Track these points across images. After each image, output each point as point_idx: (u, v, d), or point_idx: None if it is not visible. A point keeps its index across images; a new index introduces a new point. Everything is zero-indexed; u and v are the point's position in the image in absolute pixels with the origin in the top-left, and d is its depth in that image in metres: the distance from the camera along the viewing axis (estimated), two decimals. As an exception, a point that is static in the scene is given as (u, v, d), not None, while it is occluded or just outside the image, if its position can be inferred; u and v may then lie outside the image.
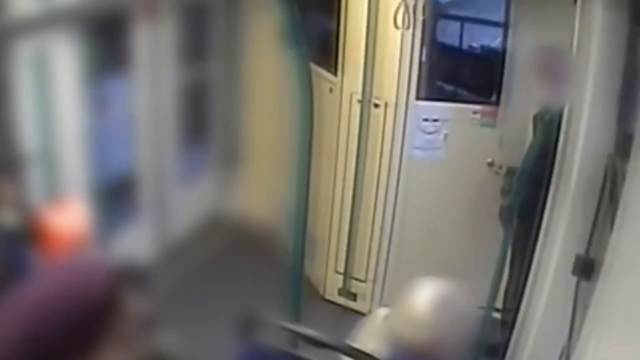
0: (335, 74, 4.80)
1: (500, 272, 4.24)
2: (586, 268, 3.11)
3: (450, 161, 4.73)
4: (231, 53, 4.92)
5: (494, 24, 4.78)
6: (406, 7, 4.42)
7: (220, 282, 4.71)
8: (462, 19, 4.79)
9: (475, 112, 4.69)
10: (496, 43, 4.86)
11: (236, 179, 5.16)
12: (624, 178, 2.79)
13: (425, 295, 2.54)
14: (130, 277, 1.73)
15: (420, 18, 4.47)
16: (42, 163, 3.60)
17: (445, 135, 4.70)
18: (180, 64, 4.63)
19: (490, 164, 4.64)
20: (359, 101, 4.73)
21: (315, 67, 4.59)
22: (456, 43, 4.83)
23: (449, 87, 4.84)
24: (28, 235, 3.16)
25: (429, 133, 4.70)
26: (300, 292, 4.52)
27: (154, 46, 4.33)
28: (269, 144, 4.92)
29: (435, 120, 4.69)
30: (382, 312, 2.74)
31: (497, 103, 4.73)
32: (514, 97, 4.61)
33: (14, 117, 3.47)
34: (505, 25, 4.62)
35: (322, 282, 5.22)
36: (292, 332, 2.95)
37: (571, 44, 3.33)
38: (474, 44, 4.84)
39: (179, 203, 4.76)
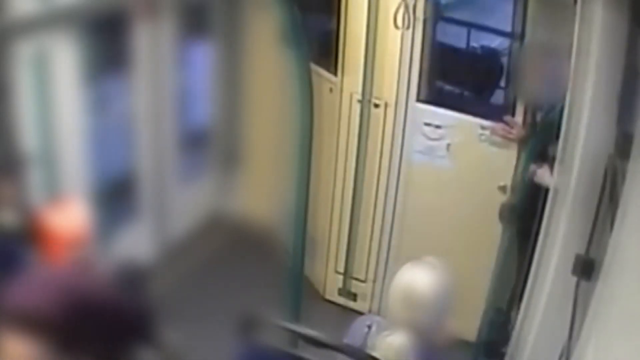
0: (335, 74, 4.80)
1: (500, 272, 4.24)
2: (586, 268, 3.11)
3: (454, 174, 4.60)
4: (231, 52, 4.92)
5: (498, 32, 4.70)
6: (406, 7, 4.41)
7: (220, 282, 4.71)
8: (465, 24, 4.75)
9: (484, 128, 4.46)
10: (496, 43, 4.85)
11: (236, 179, 5.16)
12: (624, 178, 2.78)
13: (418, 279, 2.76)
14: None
15: (420, 18, 4.47)
16: (42, 163, 3.60)
17: (448, 145, 4.59)
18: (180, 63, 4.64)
19: (502, 189, 4.35)
20: (359, 101, 4.73)
21: (315, 67, 4.60)
22: (457, 43, 4.81)
23: (451, 93, 4.76)
24: (28, 235, 3.16)
25: (432, 139, 4.64)
26: (300, 292, 4.53)
27: (154, 46, 4.33)
28: (269, 144, 4.92)
29: (437, 127, 4.62)
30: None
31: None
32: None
33: (14, 117, 3.47)
34: (513, 34, 4.41)
35: (322, 282, 5.22)
36: (292, 332, 2.95)
37: (571, 44, 3.33)
38: (475, 44, 4.83)
39: (179, 203, 4.76)
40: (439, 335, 2.82)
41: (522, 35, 4.26)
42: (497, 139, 4.37)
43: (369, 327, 2.91)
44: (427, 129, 4.64)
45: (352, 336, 2.94)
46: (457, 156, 4.59)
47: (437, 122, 4.60)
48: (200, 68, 4.95)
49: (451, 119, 4.58)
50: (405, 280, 2.81)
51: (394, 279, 2.86)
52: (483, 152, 4.49)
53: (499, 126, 4.32)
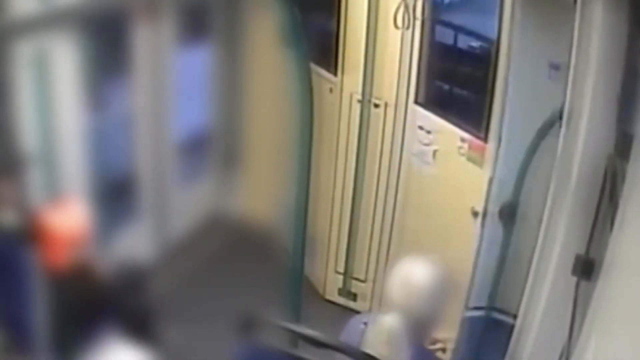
0: (335, 74, 4.80)
1: (500, 272, 4.24)
2: (586, 268, 3.11)
3: (439, 182, 4.55)
4: (231, 52, 4.91)
5: (481, 37, 4.59)
6: (406, 7, 4.42)
7: (220, 282, 4.71)
8: (454, 27, 4.70)
9: (463, 140, 4.30)
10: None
11: (236, 179, 5.15)
12: (624, 178, 2.79)
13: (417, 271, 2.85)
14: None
15: (420, 18, 4.47)
16: (42, 163, 3.60)
17: (435, 152, 4.55)
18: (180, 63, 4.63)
19: (475, 213, 4.10)
20: (359, 101, 4.73)
21: (315, 67, 4.60)
22: (456, 44, 4.79)
23: (450, 93, 4.73)
24: (28, 235, 3.16)
25: (423, 143, 4.61)
26: (300, 292, 4.53)
27: (154, 46, 4.33)
28: (269, 144, 4.92)
29: (428, 132, 4.58)
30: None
31: (486, 139, 4.09)
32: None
33: (14, 117, 3.47)
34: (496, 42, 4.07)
35: (322, 282, 5.22)
36: (292, 332, 2.95)
37: (571, 45, 3.33)
38: (474, 44, 4.81)
39: (179, 203, 4.76)
40: (432, 327, 2.87)
41: (498, 40, 4.04)
42: (475, 154, 4.22)
43: (365, 324, 2.93)
44: (420, 132, 4.63)
45: (348, 334, 2.95)
46: (440, 165, 4.54)
47: (427, 127, 4.58)
48: (200, 68, 4.95)
49: (438, 125, 4.53)
50: (404, 269, 2.87)
51: (393, 270, 2.90)
52: (462, 167, 4.34)
53: (473, 143, 4.18)
